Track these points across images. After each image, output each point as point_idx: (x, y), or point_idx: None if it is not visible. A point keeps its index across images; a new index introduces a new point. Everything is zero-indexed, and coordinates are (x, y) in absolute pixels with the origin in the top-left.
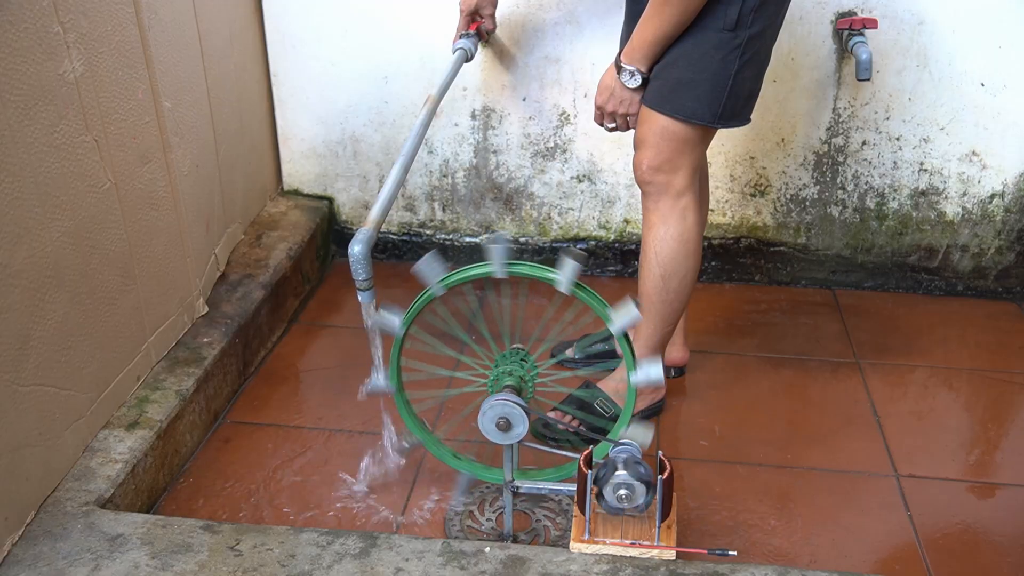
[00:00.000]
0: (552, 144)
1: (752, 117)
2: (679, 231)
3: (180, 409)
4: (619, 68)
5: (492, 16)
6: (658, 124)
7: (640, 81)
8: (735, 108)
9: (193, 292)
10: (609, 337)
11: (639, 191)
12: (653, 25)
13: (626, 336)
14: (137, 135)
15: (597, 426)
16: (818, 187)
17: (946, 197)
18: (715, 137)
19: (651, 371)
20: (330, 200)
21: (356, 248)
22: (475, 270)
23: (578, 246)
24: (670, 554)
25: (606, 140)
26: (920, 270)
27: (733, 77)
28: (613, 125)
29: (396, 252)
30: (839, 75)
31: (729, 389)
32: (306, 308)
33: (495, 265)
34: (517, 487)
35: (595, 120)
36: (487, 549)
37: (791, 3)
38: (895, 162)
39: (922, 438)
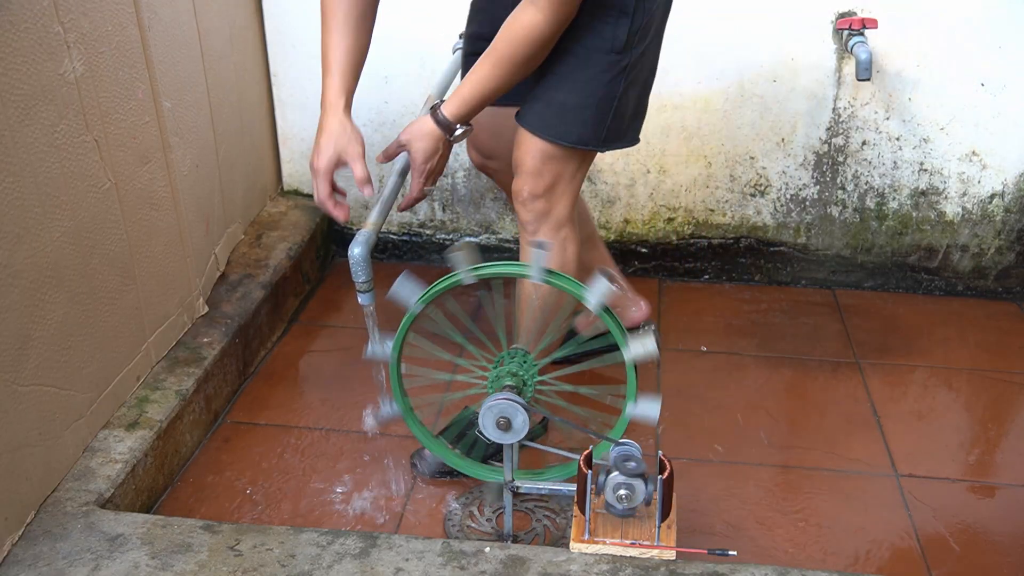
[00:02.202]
0: None
1: (752, 117)
2: (559, 264)
3: (180, 409)
4: (448, 126)
5: None
6: (538, 148)
7: (466, 130)
8: (620, 129)
9: (193, 292)
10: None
11: (639, 191)
12: (494, 83)
13: (607, 310)
14: (137, 135)
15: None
16: (818, 187)
17: (946, 197)
18: (715, 137)
19: (649, 410)
20: None
21: (356, 250)
22: (511, 268)
23: None
24: (670, 554)
25: None
26: (920, 270)
27: (619, 99)
28: (432, 187)
29: (396, 252)
30: (839, 75)
31: (729, 389)
32: (306, 308)
33: (533, 270)
34: (517, 487)
35: (415, 195)
36: (487, 549)
37: (791, 2)
38: (895, 162)
39: (922, 438)
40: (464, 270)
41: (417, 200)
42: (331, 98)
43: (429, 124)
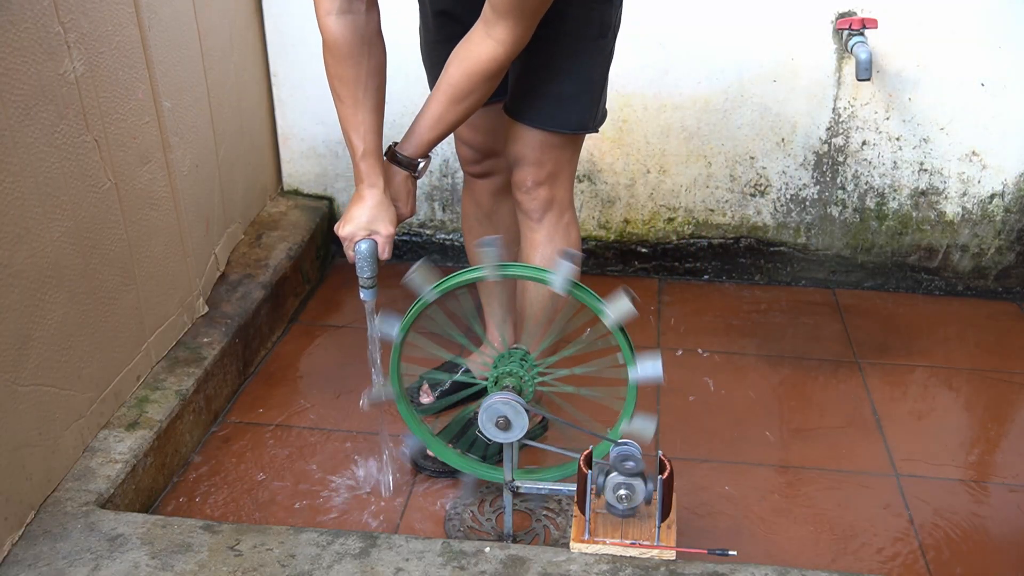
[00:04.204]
0: None
1: (752, 117)
2: (565, 248)
3: (180, 409)
4: (412, 165)
5: None
6: (538, 139)
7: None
8: (604, 106)
9: (193, 292)
10: (454, 367)
11: (639, 191)
12: (453, 116)
13: (622, 329)
14: (137, 135)
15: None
16: (818, 187)
17: (946, 197)
18: (715, 137)
19: (651, 367)
20: (330, 200)
21: (363, 246)
22: (535, 272)
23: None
24: (670, 554)
25: (606, 140)
26: (920, 270)
27: (604, 79)
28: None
29: (396, 252)
30: (839, 75)
31: (729, 389)
32: (306, 308)
33: (487, 269)
34: (517, 487)
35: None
36: (487, 549)
37: (791, 3)
38: (895, 162)
39: (922, 438)
40: (489, 266)
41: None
42: (371, 179)
43: (393, 168)
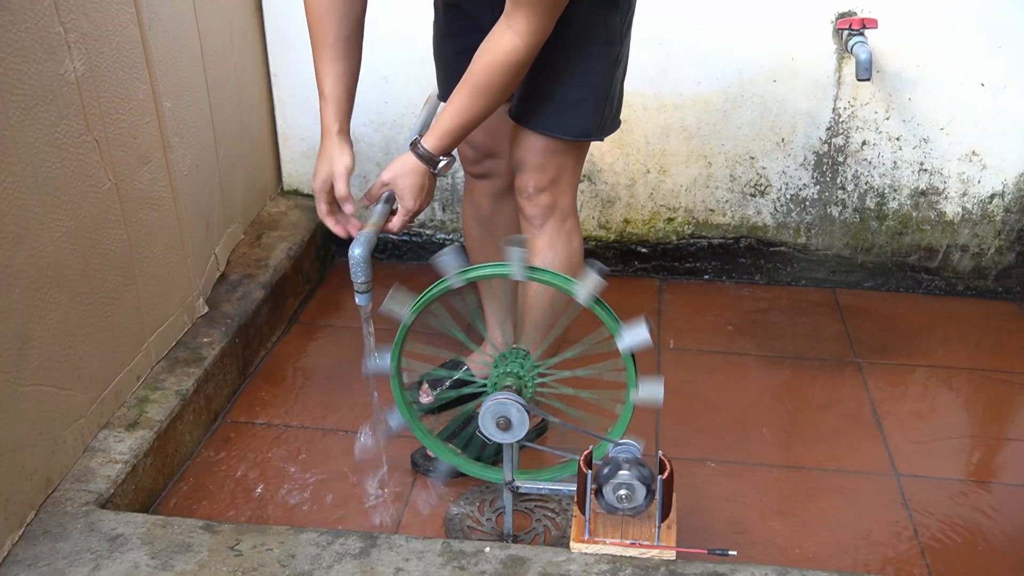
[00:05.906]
0: None
1: (752, 117)
2: (566, 254)
3: (180, 409)
4: (431, 160)
5: None
6: (540, 144)
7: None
8: (613, 116)
9: (193, 292)
10: (455, 366)
11: (639, 191)
12: (474, 112)
13: (632, 354)
14: (137, 135)
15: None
16: (818, 187)
17: (946, 197)
18: (715, 137)
19: (652, 390)
20: None
21: (356, 251)
22: (494, 269)
23: None
24: (670, 554)
25: (606, 140)
26: (920, 270)
27: (612, 86)
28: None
29: (396, 252)
30: (839, 75)
31: (729, 389)
32: (306, 308)
33: (515, 268)
34: (517, 487)
35: (395, 229)
36: (487, 549)
37: (791, 3)
38: (895, 162)
39: (922, 438)
40: (452, 275)
41: (398, 231)
42: (327, 124)
43: (412, 160)
